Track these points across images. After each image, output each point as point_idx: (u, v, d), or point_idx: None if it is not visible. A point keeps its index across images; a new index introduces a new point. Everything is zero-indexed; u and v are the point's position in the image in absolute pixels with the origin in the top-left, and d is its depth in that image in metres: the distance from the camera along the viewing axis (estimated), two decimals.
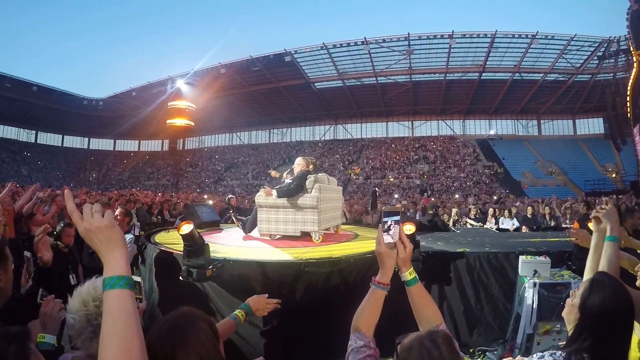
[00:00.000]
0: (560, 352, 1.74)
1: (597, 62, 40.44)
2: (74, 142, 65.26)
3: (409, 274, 1.72)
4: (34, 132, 59.71)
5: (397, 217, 1.71)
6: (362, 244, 6.13)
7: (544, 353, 1.77)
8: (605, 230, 2.40)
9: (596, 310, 1.70)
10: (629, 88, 31.50)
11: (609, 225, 2.38)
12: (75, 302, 1.57)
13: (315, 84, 48.32)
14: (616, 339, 1.69)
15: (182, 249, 4.33)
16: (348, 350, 1.61)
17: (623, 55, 36.56)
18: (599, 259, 2.35)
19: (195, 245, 4.18)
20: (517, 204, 19.83)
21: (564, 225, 10.87)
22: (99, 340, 1.12)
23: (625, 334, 1.71)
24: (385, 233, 1.69)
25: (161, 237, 6.43)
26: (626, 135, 34.07)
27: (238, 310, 2.54)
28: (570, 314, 1.84)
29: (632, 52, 30.45)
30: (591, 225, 4.76)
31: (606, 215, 2.42)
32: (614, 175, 40.47)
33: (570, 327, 1.83)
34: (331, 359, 4.19)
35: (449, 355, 1.30)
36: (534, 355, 1.79)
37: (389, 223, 1.69)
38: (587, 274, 2.39)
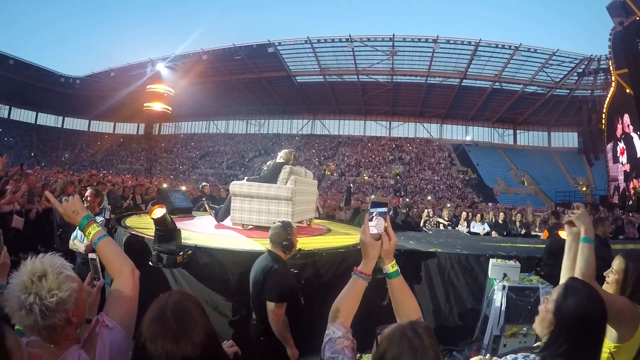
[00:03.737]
0: (533, 355, 1.73)
1: (576, 78, 41.41)
2: (48, 120, 63.29)
3: (391, 267, 1.70)
4: (7, 107, 57.77)
5: (384, 209, 1.68)
6: (335, 239, 6.12)
7: (517, 355, 1.76)
8: (579, 234, 2.41)
9: (572, 315, 1.70)
10: (605, 106, 32.33)
11: (582, 227, 2.39)
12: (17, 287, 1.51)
13: (297, 78, 48.19)
14: (591, 343, 1.69)
15: (153, 234, 4.25)
16: (325, 340, 1.57)
17: (602, 74, 37.57)
18: (574, 259, 2.40)
19: (167, 230, 4.10)
20: (490, 205, 20.07)
21: (533, 233, 11.06)
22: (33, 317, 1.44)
23: (599, 338, 1.73)
24: (370, 224, 1.66)
25: (132, 221, 6.33)
26: (599, 152, 34.89)
27: (90, 229, 1.92)
28: (544, 320, 1.82)
29: (612, 72, 31.25)
30: (562, 233, 4.90)
31: (579, 217, 2.44)
32: (584, 189, 41.39)
33: (544, 334, 1.82)
34: (304, 354, 4.17)
35: (430, 344, 1.30)
36: (508, 357, 1.78)
37: (374, 214, 1.66)
38: (564, 276, 2.41)
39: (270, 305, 3.29)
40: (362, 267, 1.69)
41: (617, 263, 2.39)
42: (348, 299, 1.67)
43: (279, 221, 3.86)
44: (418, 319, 1.64)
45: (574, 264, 2.38)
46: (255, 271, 3.57)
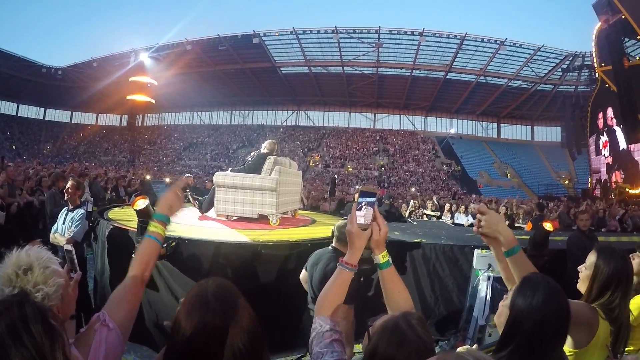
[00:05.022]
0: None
1: (560, 73, 41.99)
2: (29, 111, 62.13)
3: (382, 257, 1.66)
4: None
5: (373, 199, 1.63)
6: (320, 229, 6.11)
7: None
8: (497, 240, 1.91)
9: (523, 311, 1.53)
10: (590, 102, 32.81)
11: (501, 237, 1.87)
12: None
13: (281, 69, 48.06)
14: (544, 346, 1.51)
15: (135, 226, 4.20)
16: (312, 334, 1.53)
17: (586, 70, 38.08)
18: (507, 267, 1.94)
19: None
20: (473, 196, 20.17)
21: (516, 225, 11.16)
22: None
23: (554, 344, 1.55)
24: (359, 213, 1.61)
25: (115, 214, 6.26)
26: (581, 146, 35.42)
27: (152, 224, 1.85)
28: (499, 316, 1.69)
29: (596, 68, 31.73)
30: (546, 224, 4.94)
31: (487, 226, 1.88)
32: (566, 182, 41.96)
33: (500, 332, 1.65)
34: (289, 348, 4.14)
35: (424, 335, 1.29)
36: None
37: (363, 203, 1.62)
38: (508, 285, 2.04)
39: (344, 307, 3.27)
40: (348, 257, 1.63)
41: (590, 258, 2.25)
42: (334, 292, 1.63)
43: (346, 218, 3.83)
44: (410, 309, 1.60)
45: (509, 273, 1.94)
46: (323, 270, 3.53)
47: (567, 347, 1.93)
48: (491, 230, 1.87)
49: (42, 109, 63.16)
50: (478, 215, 1.93)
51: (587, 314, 2.04)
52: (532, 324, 1.50)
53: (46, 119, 63.61)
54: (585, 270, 2.25)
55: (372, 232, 1.62)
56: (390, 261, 1.68)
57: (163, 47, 44.29)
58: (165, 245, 4.10)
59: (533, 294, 1.53)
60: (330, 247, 3.68)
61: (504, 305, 1.67)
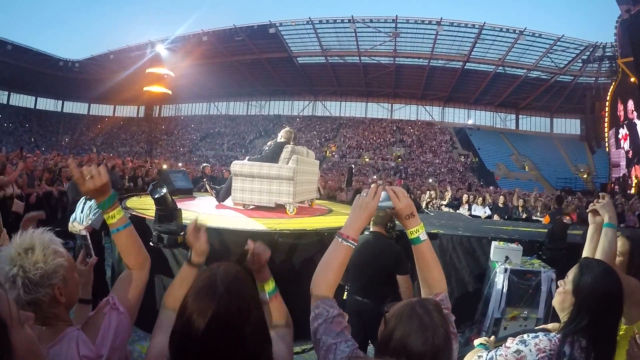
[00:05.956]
0: (554, 333, 1.78)
1: (580, 65, 41.20)
2: (47, 104, 63.01)
3: (410, 233, 1.65)
4: (6, 93, 57.40)
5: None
6: (337, 219, 6.08)
7: (538, 333, 1.80)
8: (601, 224, 2.44)
9: (589, 290, 1.77)
10: (609, 93, 32.26)
11: (607, 215, 2.43)
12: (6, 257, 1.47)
13: (298, 59, 47.93)
14: (609, 318, 1.75)
15: (153, 215, 4.22)
16: (318, 320, 1.45)
17: (607, 62, 37.35)
18: (594, 249, 2.41)
19: (167, 210, 4.07)
20: (491, 188, 20.00)
21: (534, 218, 11.04)
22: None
23: (617, 314, 1.77)
24: (383, 196, 1.62)
25: (133, 202, 6.29)
26: (601, 139, 34.87)
27: (115, 211, 1.71)
28: (564, 301, 1.89)
29: (617, 60, 31.12)
30: (565, 218, 4.91)
31: (604, 206, 2.48)
32: (585, 176, 41.37)
33: (564, 314, 1.88)
34: (304, 337, 4.13)
35: (440, 322, 1.28)
36: (526, 335, 1.80)
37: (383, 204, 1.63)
38: None
39: (404, 277, 3.72)
40: (350, 231, 1.57)
41: (620, 245, 2.43)
42: (337, 268, 1.56)
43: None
44: (439, 293, 1.61)
45: (593, 254, 2.38)
46: (373, 252, 3.81)
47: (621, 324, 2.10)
48: (605, 209, 2.45)
49: (60, 102, 64.20)
50: (602, 197, 2.55)
51: None
52: (599, 298, 1.75)
53: (64, 111, 64.59)
54: (617, 257, 2.42)
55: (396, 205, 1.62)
56: (422, 237, 1.64)
57: (179, 39, 44.43)
58: (182, 233, 4.13)
59: (594, 274, 1.80)
60: (367, 232, 3.90)
61: (565, 291, 1.89)
